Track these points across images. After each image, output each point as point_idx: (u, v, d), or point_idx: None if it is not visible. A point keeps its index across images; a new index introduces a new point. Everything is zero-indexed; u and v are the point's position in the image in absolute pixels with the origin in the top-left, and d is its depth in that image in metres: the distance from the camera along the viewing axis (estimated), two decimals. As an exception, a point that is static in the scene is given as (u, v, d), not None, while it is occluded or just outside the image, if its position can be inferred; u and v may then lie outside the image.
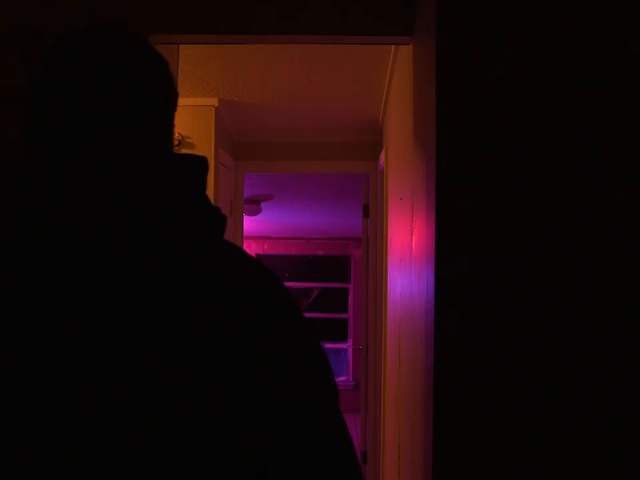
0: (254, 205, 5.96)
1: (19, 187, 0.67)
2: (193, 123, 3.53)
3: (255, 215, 6.10)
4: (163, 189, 0.69)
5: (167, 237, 0.68)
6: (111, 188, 0.67)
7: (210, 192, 3.55)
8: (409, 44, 2.05)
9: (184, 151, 3.54)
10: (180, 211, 0.70)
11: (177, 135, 3.53)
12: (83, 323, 0.65)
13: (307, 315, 1.49)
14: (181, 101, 2.78)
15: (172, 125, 0.78)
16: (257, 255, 8.11)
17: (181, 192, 0.71)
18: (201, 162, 0.75)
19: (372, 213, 4.22)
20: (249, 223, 6.64)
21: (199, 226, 0.71)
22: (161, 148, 0.75)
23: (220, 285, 0.68)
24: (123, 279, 0.66)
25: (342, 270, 8.64)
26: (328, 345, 8.48)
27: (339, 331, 8.62)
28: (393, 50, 2.71)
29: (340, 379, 8.29)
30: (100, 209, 0.66)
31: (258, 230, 7.68)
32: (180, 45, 2.58)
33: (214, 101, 3.53)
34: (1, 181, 0.68)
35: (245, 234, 4.89)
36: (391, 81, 3.01)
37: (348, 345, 8.60)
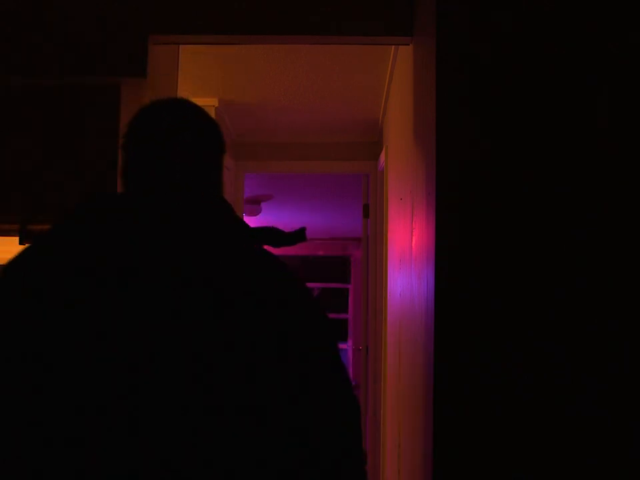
0: (254, 205, 5.95)
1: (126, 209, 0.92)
2: (193, 123, 3.52)
3: (255, 215, 6.10)
4: (224, 212, 0.98)
5: (229, 245, 0.93)
6: (188, 210, 0.92)
7: (210, 192, 3.54)
8: (408, 44, 2.05)
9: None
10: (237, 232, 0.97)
11: (177, 135, 3.53)
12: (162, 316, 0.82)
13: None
14: (181, 101, 2.67)
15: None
16: (256, 255, 8.08)
17: (234, 216, 0.98)
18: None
19: (372, 212, 4.22)
20: (249, 223, 6.62)
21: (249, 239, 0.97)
22: (220, 184, 1.05)
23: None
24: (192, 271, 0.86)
25: (342, 270, 8.64)
26: (328, 345, 8.46)
27: (339, 331, 8.62)
28: (392, 50, 2.71)
29: (340, 379, 8.28)
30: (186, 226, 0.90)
31: (258, 230, 7.64)
32: (180, 45, 2.58)
33: (214, 101, 3.52)
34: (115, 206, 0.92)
35: (245, 234, 4.87)
36: (391, 81, 3.01)
37: (348, 345, 8.60)
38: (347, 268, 8.61)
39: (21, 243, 2.32)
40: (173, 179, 0.95)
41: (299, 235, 0.97)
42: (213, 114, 3.54)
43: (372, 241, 4.20)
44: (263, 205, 6.08)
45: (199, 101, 3.69)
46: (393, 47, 2.64)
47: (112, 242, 0.86)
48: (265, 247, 0.99)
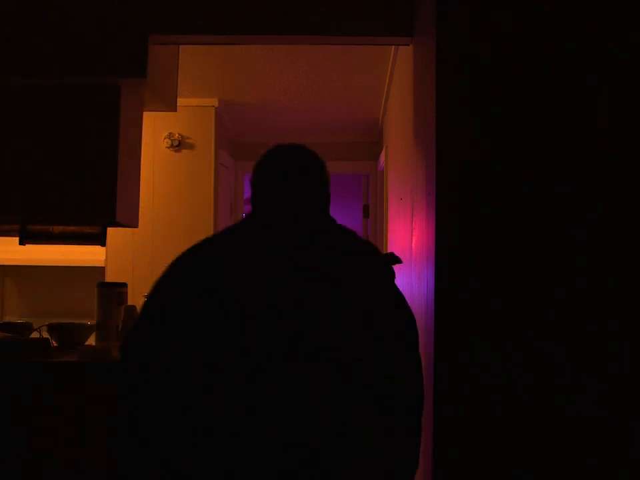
0: (254, 205, 5.94)
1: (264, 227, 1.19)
2: (193, 123, 3.53)
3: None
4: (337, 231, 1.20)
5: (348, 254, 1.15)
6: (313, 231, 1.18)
7: (209, 192, 3.55)
8: (408, 44, 2.05)
9: (184, 151, 3.54)
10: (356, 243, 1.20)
11: (176, 135, 3.53)
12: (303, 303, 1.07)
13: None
14: (181, 101, 2.78)
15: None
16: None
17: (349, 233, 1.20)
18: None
19: (372, 213, 4.22)
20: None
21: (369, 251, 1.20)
22: (327, 209, 1.28)
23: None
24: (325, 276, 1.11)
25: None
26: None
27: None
28: (392, 50, 2.71)
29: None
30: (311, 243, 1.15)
31: (258, 230, 7.63)
32: (180, 45, 2.58)
33: (214, 101, 3.53)
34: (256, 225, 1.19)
35: (244, 234, 4.87)
36: (391, 81, 3.01)
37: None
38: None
39: (21, 243, 2.32)
40: (294, 206, 1.21)
41: (397, 258, 1.22)
42: (212, 114, 3.54)
43: (372, 241, 4.20)
44: (262, 205, 6.07)
45: (198, 101, 3.66)
46: (393, 47, 2.64)
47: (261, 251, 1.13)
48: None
